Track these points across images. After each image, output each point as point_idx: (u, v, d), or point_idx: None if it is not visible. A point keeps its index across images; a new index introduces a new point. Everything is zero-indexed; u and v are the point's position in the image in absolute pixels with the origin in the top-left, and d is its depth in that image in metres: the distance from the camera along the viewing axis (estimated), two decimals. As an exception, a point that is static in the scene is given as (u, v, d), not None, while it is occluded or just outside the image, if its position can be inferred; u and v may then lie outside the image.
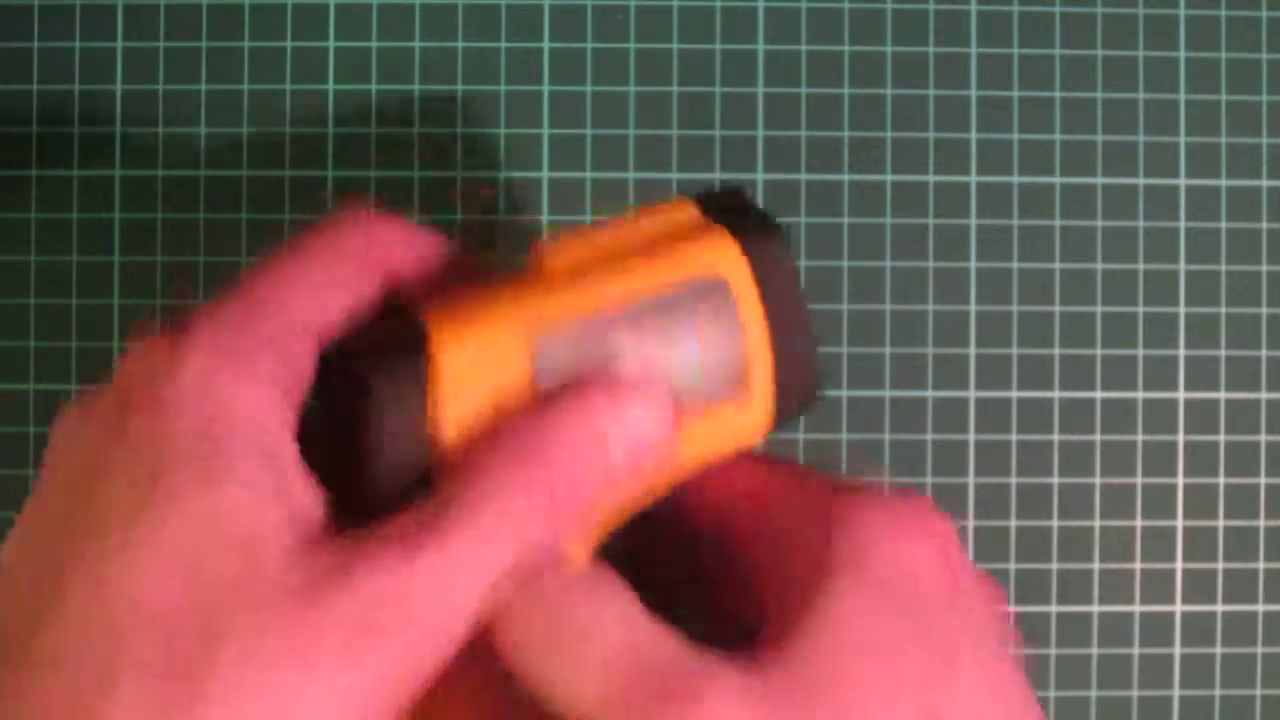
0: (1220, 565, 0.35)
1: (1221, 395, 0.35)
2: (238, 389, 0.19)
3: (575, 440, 0.20)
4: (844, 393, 0.35)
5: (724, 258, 0.23)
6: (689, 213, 0.24)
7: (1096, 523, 0.35)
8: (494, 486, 0.19)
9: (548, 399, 0.20)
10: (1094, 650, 0.35)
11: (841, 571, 0.20)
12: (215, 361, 0.19)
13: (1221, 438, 0.35)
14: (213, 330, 0.19)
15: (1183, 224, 0.35)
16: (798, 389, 0.23)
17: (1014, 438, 0.35)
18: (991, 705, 0.20)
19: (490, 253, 0.29)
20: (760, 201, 0.35)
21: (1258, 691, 0.35)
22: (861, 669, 0.19)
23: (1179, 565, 0.35)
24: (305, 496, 0.19)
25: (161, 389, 0.19)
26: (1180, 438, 0.35)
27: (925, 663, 0.20)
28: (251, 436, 0.19)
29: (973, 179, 0.35)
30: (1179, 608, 0.35)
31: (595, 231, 0.23)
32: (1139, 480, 0.35)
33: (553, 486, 0.20)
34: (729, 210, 0.24)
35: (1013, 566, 0.35)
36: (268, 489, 0.18)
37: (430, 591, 0.18)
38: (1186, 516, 0.35)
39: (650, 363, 0.21)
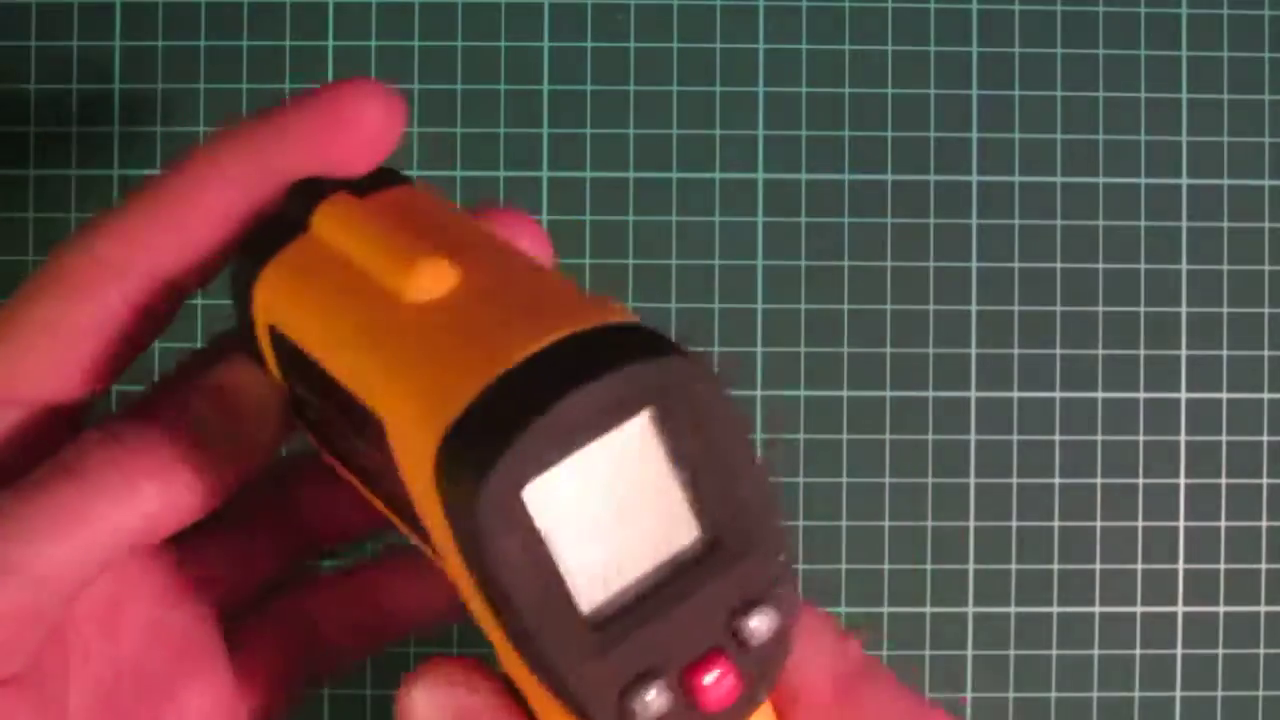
0: (1222, 566, 0.35)
1: (1223, 395, 0.35)
2: None
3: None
4: (844, 393, 0.35)
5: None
6: None
7: (1098, 523, 0.35)
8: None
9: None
10: (1095, 651, 0.35)
11: None
12: None
13: (1223, 438, 0.35)
14: None
15: (1184, 224, 0.35)
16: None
17: (1014, 438, 0.35)
18: None
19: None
20: (760, 202, 0.35)
21: (1259, 693, 0.35)
22: None
23: (1180, 566, 0.35)
24: None
25: None
26: (1182, 438, 0.35)
27: None
28: None
29: (973, 179, 0.35)
30: (1180, 609, 0.35)
31: None
32: (1140, 481, 0.35)
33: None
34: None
35: (1014, 567, 0.35)
36: None
37: None
38: (1188, 517, 0.35)
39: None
